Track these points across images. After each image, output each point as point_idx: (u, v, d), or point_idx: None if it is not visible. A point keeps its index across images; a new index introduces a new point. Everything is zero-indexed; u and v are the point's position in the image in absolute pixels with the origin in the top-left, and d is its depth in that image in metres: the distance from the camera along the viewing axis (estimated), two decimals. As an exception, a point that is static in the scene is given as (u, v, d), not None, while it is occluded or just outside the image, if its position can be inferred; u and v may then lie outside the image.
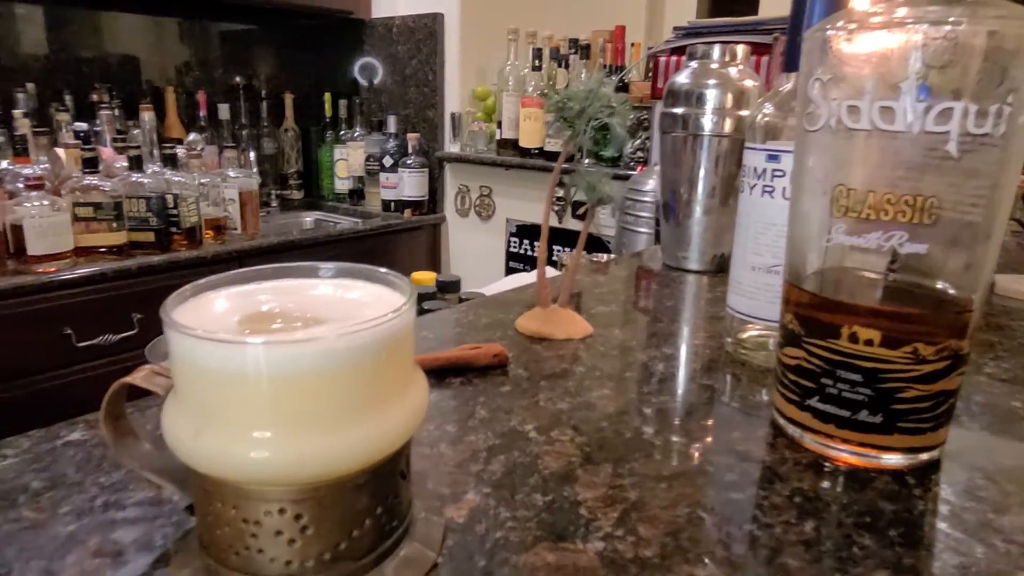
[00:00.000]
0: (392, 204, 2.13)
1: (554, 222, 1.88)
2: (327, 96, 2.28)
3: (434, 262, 2.22)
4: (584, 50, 1.77)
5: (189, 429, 0.27)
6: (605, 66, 1.74)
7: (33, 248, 1.47)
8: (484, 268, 2.08)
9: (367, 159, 2.17)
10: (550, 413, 0.44)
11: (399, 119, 2.14)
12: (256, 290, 0.32)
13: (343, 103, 2.26)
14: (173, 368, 0.28)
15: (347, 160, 2.22)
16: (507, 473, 0.37)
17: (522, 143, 1.85)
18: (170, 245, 1.67)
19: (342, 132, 2.25)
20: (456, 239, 2.19)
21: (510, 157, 1.89)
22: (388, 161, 2.10)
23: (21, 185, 1.49)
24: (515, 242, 1.98)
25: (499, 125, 1.93)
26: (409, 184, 2.08)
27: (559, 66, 1.78)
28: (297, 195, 2.31)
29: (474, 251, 2.14)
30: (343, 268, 0.32)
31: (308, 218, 2.27)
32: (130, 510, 0.33)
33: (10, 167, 1.54)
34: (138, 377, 0.31)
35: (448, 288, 0.96)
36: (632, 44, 1.76)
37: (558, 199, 1.79)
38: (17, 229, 1.46)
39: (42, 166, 1.58)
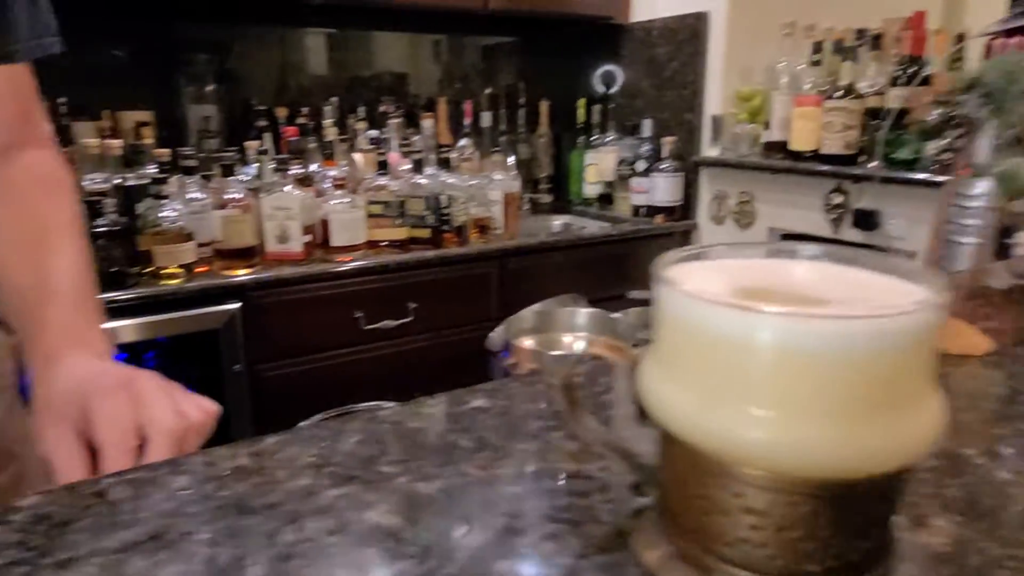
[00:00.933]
0: (642, 209, 2.11)
1: (825, 231, 1.73)
2: (581, 102, 2.32)
3: (682, 269, 2.15)
4: (875, 40, 1.60)
5: (692, 402, 0.25)
6: (901, 57, 1.55)
7: (336, 240, 1.66)
8: (738, 278, 1.97)
9: (619, 163, 2.17)
10: (990, 436, 0.38)
11: (655, 123, 2.11)
12: (734, 265, 0.30)
13: (596, 108, 2.28)
14: (671, 337, 0.27)
15: (597, 165, 2.23)
16: (971, 501, 0.31)
17: (793, 146, 1.73)
18: (441, 242, 1.79)
19: (594, 137, 2.28)
20: (708, 246, 2.10)
21: (778, 161, 1.77)
22: (641, 165, 2.08)
23: (328, 185, 1.70)
24: (776, 251, 1.85)
25: (766, 126, 1.82)
26: (662, 189, 2.04)
27: (843, 60, 1.63)
28: (547, 199, 2.38)
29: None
30: (828, 251, 0.29)
31: (557, 221, 2.33)
32: (564, 482, 0.33)
33: (319, 169, 1.76)
34: (596, 350, 0.30)
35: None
36: (937, 31, 1.56)
37: (835, 206, 1.64)
38: (325, 223, 1.66)
39: (342, 168, 1.79)
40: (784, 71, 1.76)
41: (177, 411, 0.50)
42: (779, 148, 1.78)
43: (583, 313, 0.63)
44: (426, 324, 1.76)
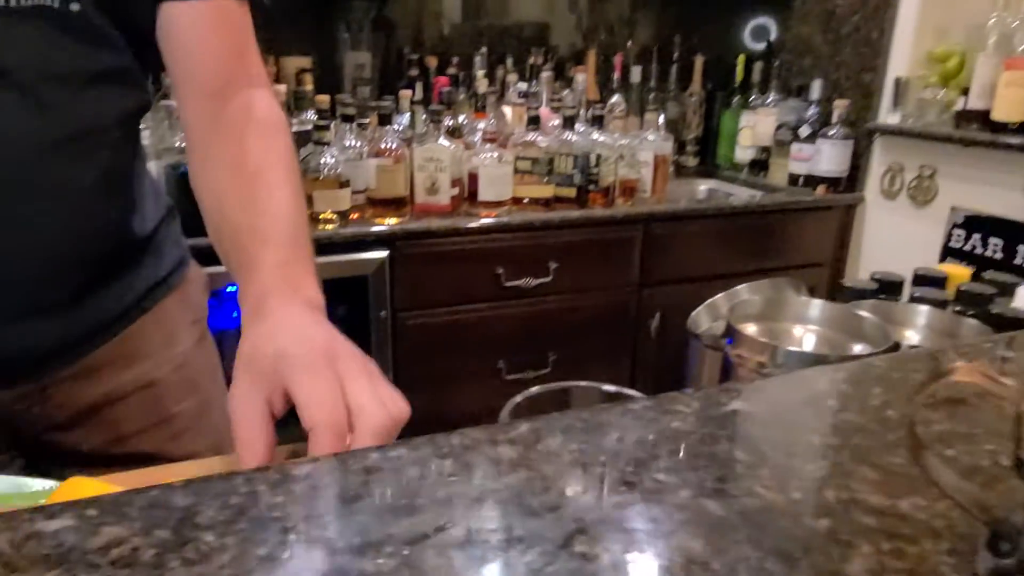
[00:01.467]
0: (801, 179, 1.95)
1: (1019, 214, 1.53)
2: (740, 58, 2.16)
3: (841, 249, 2.00)
4: (1117, -4, 1.37)
5: None
6: None
7: (483, 195, 1.65)
8: (907, 262, 1.80)
9: (778, 127, 2.02)
10: None
11: (825, 84, 1.93)
12: None
13: (757, 66, 2.12)
14: None
15: (752, 128, 2.09)
16: None
17: (996, 115, 1.52)
18: (587, 202, 1.74)
19: (752, 97, 2.12)
20: (874, 224, 1.93)
21: (975, 132, 1.57)
22: (805, 131, 1.92)
23: (478, 138, 1.68)
24: (959, 235, 1.67)
25: (963, 93, 1.62)
26: (828, 157, 1.88)
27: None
28: (692, 162, 2.26)
29: (897, 240, 1.86)
30: None
31: (702, 186, 2.21)
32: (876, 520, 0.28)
33: (469, 121, 1.74)
34: (967, 376, 0.25)
35: (889, 289, 0.79)
36: None
37: (1043, 187, 1.44)
38: (473, 177, 1.65)
39: (491, 122, 1.76)
40: (994, 29, 1.54)
41: (383, 401, 0.47)
42: (977, 118, 1.58)
43: (816, 304, 0.57)
44: (565, 285, 1.73)
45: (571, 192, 1.72)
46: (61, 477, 0.75)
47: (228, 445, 0.80)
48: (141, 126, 0.70)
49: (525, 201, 1.72)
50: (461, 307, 1.67)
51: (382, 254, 1.55)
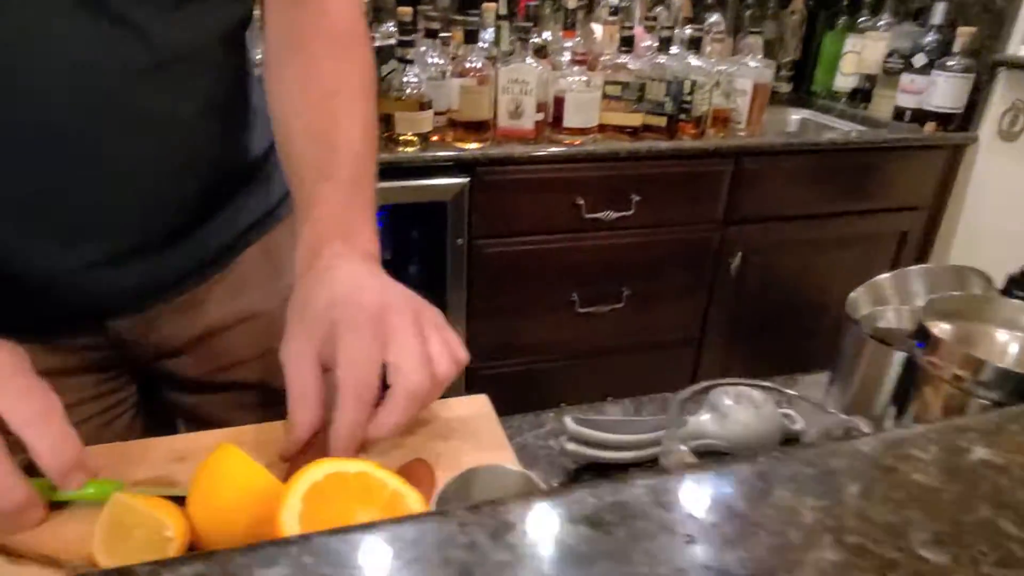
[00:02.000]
0: (908, 113, 1.80)
1: None
2: (851, -26, 1.96)
3: (943, 194, 1.86)
4: None
5: None
6: None
7: (568, 120, 1.56)
8: (1020, 211, 1.67)
9: (888, 54, 1.85)
10: None
11: (949, 7, 1.74)
12: None
13: (871, -17, 1.93)
14: None
15: (859, 53, 1.92)
16: None
17: None
18: (676, 132, 1.64)
19: (861, 19, 1.94)
20: (986, 169, 1.78)
21: None
22: (920, 59, 1.76)
23: (566, 58, 1.58)
24: (1086, 186, 1.53)
25: (1117, 26, 1.44)
26: (942, 91, 1.72)
27: None
28: (785, 88, 2.11)
29: (1011, 189, 1.72)
30: None
31: (795, 116, 2.07)
32: None
33: (556, 40, 1.63)
34: None
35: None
36: None
37: None
38: (559, 101, 1.56)
39: (579, 41, 1.64)
40: None
41: (427, 360, 0.47)
42: None
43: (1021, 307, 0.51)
44: (646, 219, 1.66)
45: (661, 121, 1.62)
46: (173, 402, 0.75)
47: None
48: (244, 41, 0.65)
49: (614, 129, 1.63)
50: (539, 237, 1.62)
51: (462, 180, 1.50)
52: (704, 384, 0.55)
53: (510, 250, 1.62)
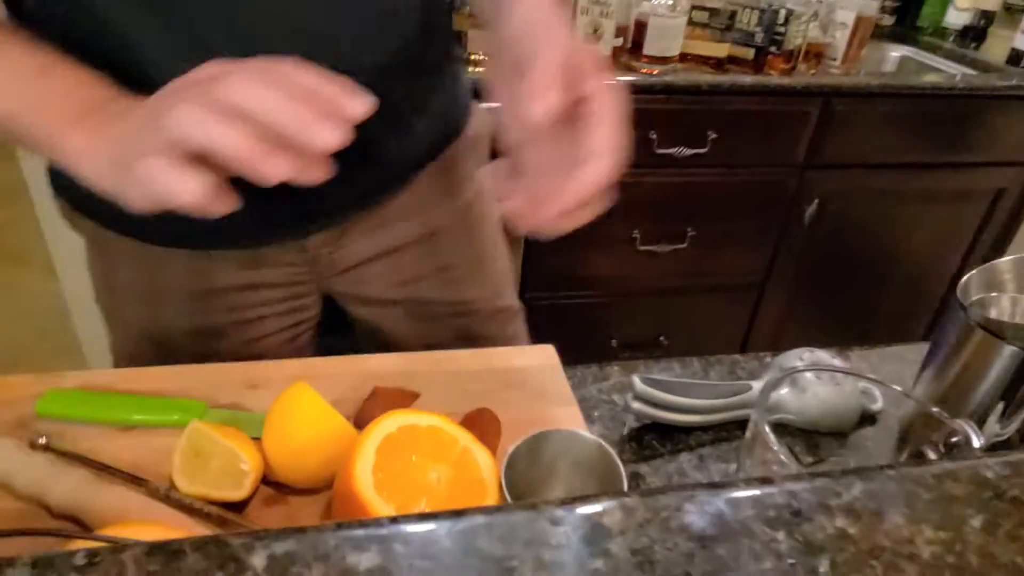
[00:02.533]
0: (1025, 59, 1.64)
1: None
2: None
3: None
4: None
5: None
6: None
7: (648, 47, 1.47)
8: None
9: (1012, -9, 1.67)
10: None
11: (1093, -59, 1.55)
12: None
13: (1003, -93, 1.72)
14: None
15: (977, -13, 1.73)
16: None
17: None
18: (764, 66, 1.54)
19: (986, -52, 1.74)
20: (1108, 125, 1.63)
21: None
22: (1048, 0, 1.58)
23: (652, -22, 1.47)
24: None
25: None
26: (1069, 38, 1.55)
27: None
28: (887, 21, 1.94)
29: None
30: None
31: (894, 53, 1.91)
32: None
33: (643, -45, 1.52)
34: None
35: None
36: None
37: None
38: (640, 26, 1.47)
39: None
40: None
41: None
42: None
43: None
44: (720, 158, 1.58)
45: (748, 54, 1.51)
46: (353, 318, 0.77)
47: (506, 294, 0.83)
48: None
49: (694, 58, 1.53)
50: (606, 170, 1.57)
51: (533, 105, 1.44)
52: (795, 368, 0.52)
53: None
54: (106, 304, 0.71)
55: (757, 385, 0.66)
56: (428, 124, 0.66)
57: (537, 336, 1.75)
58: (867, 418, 0.68)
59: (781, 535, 0.27)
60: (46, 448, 0.47)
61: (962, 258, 1.91)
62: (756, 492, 0.29)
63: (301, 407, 0.46)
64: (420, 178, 0.68)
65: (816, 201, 1.67)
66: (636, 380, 0.62)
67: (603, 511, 0.27)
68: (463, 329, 0.78)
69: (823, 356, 0.68)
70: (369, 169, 0.62)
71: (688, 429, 0.65)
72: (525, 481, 0.47)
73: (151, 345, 0.68)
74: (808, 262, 1.77)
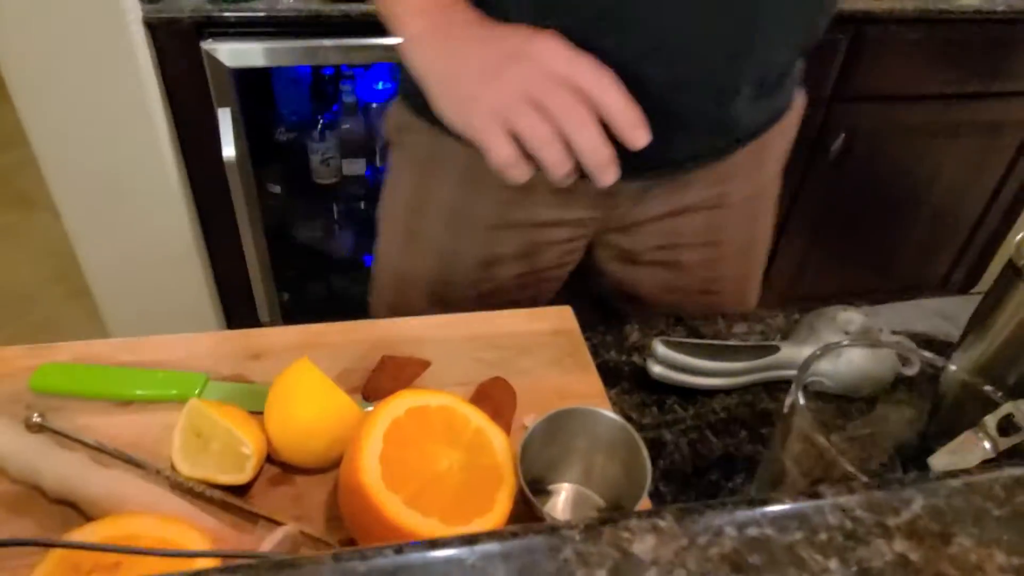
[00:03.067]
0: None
1: None
2: None
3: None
4: None
5: None
6: None
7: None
8: None
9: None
10: None
11: None
12: None
13: None
14: None
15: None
16: None
17: None
18: None
19: None
20: None
21: None
22: (1107, -88, 1.45)
23: None
24: None
25: None
26: None
27: None
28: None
29: None
30: None
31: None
32: None
33: None
34: None
35: None
36: None
37: None
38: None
39: None
40: None
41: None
42: None
43: None
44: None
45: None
46: (600, 270, 0.77)
47: (750, 290, 0.83)
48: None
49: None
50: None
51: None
52: (839, 343, 0.49)
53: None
54: (406, 224, 0.72)
55: (784, 346, 0.63)
56: (778, 97, 0.66)
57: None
58: (900, 380, 0.65)
59: (834, 563, 0.24)
60: (40, 428, 0.45)
61: (989, 197, 1.84)
62: (805, 508, 0.26)
63: (303, 386, 0.43)
64: (744, 148, 0.67)
65: (842, 136, 1.60)
66: (658, 344, 0.59)
67: (633, 535, 0.24)
68: (704, 307, 0.77)
69: (856, 315, 0.64)
70: (720, 134, 0.63)
71: (712, 392, 0.62)
72: (542, 462, 0.44)
73: (440, 267, 0.71)
74: (831, 201, 1.71)
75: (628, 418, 0.59)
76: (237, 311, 1.67)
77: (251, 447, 0.42)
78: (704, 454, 0.57)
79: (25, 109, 1.22)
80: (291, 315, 1.75)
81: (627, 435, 0.43)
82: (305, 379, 0.43)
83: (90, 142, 1.28)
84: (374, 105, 1.53)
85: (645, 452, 0.41)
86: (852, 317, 0.64)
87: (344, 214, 1.92)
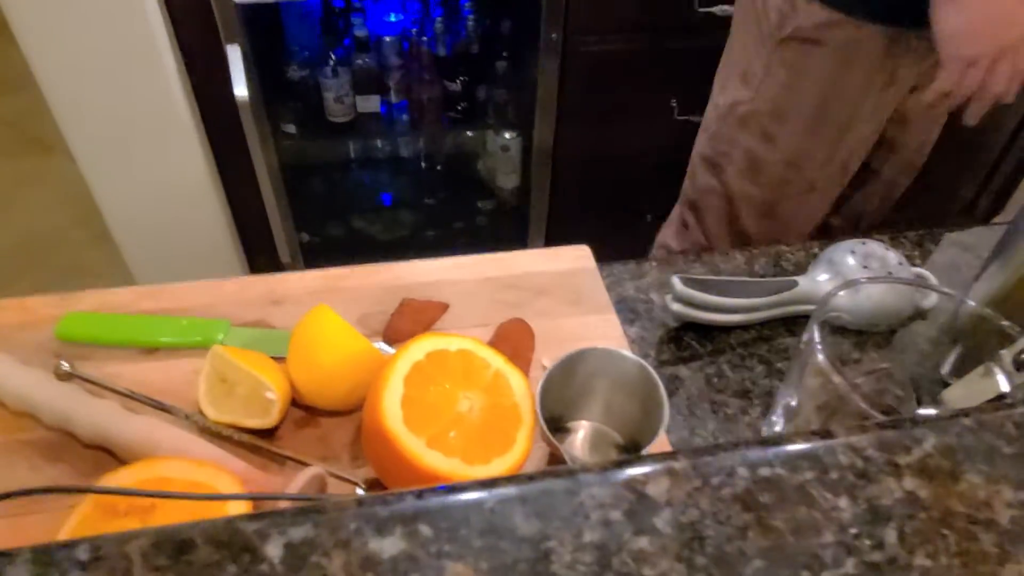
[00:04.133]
0: None
1: None
2: None
3: None
4: None
5: None
6: None
7: None
8: None
9: None
10: None
11: None
12: None
13: None
14: None
15: None
16: None
17: None
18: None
19: None
20: None
21: None
22: None
23: None
24: None
25: None
26: None
27: None
28: None
29: None
30: None
31: None
32: None
33: None
34: None
35: None
36: None
37: None
38: None
39: None
40: None
41: None
42: None
43: None
44: None
45: None
46: None
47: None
48: None
49: None
50: (643, 35, 1.44)
51: (561, -38, 1.30)
52: (856, 281, 0.48)
53: (610, 48, 1.46)
54: (816, 108, 0.81)
55: (803, 280, 0.62)
56: None
57: (569, 209, 1.71)
58: (918, 312, 0.64)
59: (844, 501, 0.24)
60: (70, 376, 0.46)
61: (1019, 122, 1.77)
62: (817, 448, 0.26)
63: (324, 332, 0.44)
64: None
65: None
66: (676, 280, 0.59)
67: (648, 478, 0.25)
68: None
69: (876, 248, 0.63)
70: None
71: (729, 328, 0.62)
72: (561, 401, 0.45)
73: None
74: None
75: (645, 355, 0.59)
76: (258, 253, 1.69)
77: (276, 392, 0.43)
78: (720, 388, 0.58)
79: (30, 49, 1.21)
80: (313, 255, 1.76)
81: (645, 374, 0.43)
82: (325, 325, 0.44)
83: (99, 83, 1.27)
84: (387, 38, 1.49)
85: (663, 390, 0.42)
86: (871, 250, 0.63)
87: (361, 152, 1.91)
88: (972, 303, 0.45)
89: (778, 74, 0.81)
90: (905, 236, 0.74)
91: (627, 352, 0.44)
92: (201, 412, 0.45)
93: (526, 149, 1.70)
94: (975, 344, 0.47)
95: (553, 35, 1.39)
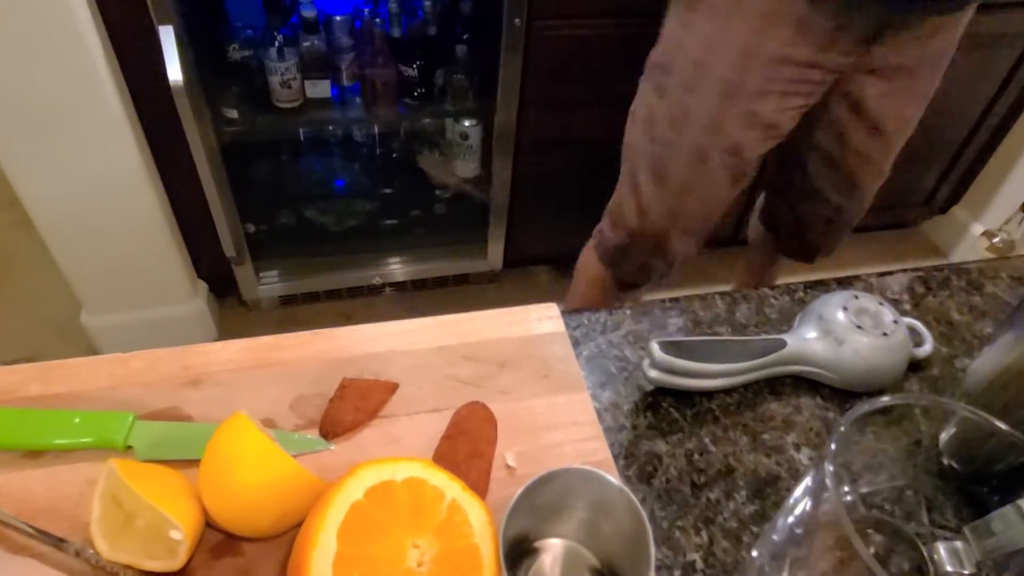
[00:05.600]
0: None
1: None
2: None
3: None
4: None
5: None
6: None
7: None
8: None
9: None
10: None
11: None
12: None
13: None
14: None
15: None
16: None
17: None
18: None
19: None
20: None
21: None
22: None
23: None
24: None
25: None
26: None
27: None
28: None
29: None
30: None
31: None
32: None
33: None
34: None
35: None
36: None
37: None
38: None
39: None
40: None
41: None
42: None
43: None
44: None
45: None
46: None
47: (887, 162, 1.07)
48: None
49: None
50: (607, 20, 1.36)
51: (524, -58, 1.21)
52: (882, 403, 0.42)
53: (574, 34, 1.37)
54: (695, 66, 0.84)
55: (791, 340, 0.57)
56: None
57: (531, 197, 1.61)
58: (912, 366, 0.59)
59: None
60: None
61: (980, 114, 1.75)
62: None
63: (244, 451, 0.36)
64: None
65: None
66: (655, 347, 0.52)
67: None
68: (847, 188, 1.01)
69: (869, 303, 0.58)
70: None
71: (711, 392, 0.57)
72: (531, 516, 0.38)
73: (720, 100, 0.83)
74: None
75: (620, 425, 0.53)
76: (200, 247, 1.57)
77: (183, 531, 0.35)
78: (702, 467, 0.52)
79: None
80: (259, 248, 1.65)
81: (626, 501, 0.37)
82: (245, 442, 0.36)
83: (14, 66, 1.14)
84: (337, 18, 1.38)
85: (649, 531, 0.35)
86: (864, 305, 0.57)
87: (310, 139, 1.79)
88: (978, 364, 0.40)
89: (672, 27, 0.87)
90: (888, 277, 0.69)
91: (609, 477, 0.37)
92: (93, 545, 0.37)
93: (486, 136, 1.61)
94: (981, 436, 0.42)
95: (516, 20, 1.30)
